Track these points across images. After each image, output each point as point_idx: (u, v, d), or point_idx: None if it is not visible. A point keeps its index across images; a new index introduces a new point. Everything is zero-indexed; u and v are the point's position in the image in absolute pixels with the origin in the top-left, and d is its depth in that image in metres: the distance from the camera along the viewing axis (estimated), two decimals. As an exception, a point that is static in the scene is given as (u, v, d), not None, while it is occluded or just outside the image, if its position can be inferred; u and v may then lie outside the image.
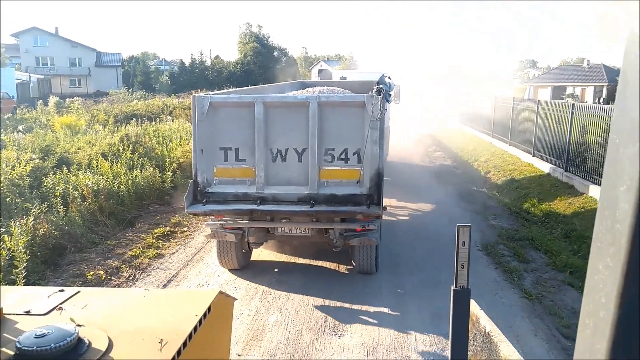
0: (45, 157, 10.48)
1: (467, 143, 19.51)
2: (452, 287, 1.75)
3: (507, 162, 14.74)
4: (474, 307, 2.36)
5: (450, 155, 17.49)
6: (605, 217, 0.71)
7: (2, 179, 8.15)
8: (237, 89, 8.90)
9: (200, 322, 1.64)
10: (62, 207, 8.01)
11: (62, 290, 1.83)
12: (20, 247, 5.98)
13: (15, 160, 9.32)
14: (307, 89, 10.36)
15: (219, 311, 1.84)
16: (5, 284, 5.71)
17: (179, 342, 1.48)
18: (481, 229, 8.82)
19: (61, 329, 1.39)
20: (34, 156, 10.24)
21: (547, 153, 13.39)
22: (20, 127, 17.44)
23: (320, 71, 17.85)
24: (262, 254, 7.51)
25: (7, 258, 6.02)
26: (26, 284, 5.98)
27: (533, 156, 14.22)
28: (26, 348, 1.29)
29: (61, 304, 1.69)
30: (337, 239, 6.17)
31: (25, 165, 9.02)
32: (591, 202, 9.77)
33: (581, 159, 11.41)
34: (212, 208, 5.92)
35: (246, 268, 6.95)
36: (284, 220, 6.17)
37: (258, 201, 5.87)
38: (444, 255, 6.97)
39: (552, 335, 5.34)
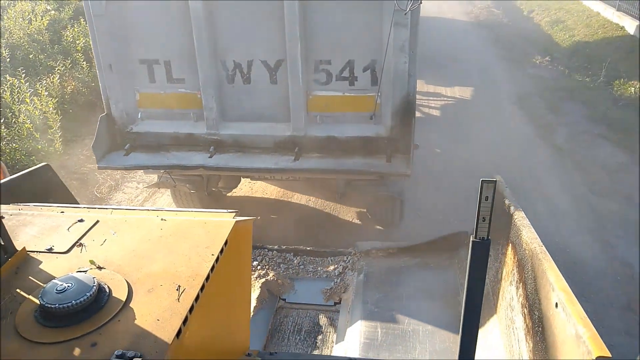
0: (61, 8, 10.06)
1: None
2: (471, 238, 1.72)
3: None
4: (500, 185, 2.33)
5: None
6: None
7: (21, 35, 7.97)
8: None
9: (217, 259, 1.66)
10: (85, 62, 7.91)
11: (81, 220, 1.87)
12: (51, 108, 6.07)
13: (31, 13, 8.99)
14: None
15: (236, 241, 1.85)
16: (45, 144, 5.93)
17: (196, 287, 1.51)
18: (516, 79, 8.39)
19: (81, 282, 1.43)
20: (48, 7, 9.83)
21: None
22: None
23: None
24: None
25: (40, 118, 6.16)
26: (63, 142, 6.22)
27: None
28: (49, 305, 1.36)
29: (80, 238, 1.76)
30: (342, 188, 4.33)
31: (42, 19, 8.72)
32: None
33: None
34: (138, 163, 3.92)
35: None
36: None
37: (211, 147, 3.90)
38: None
39: (580, 191, 5.36)
